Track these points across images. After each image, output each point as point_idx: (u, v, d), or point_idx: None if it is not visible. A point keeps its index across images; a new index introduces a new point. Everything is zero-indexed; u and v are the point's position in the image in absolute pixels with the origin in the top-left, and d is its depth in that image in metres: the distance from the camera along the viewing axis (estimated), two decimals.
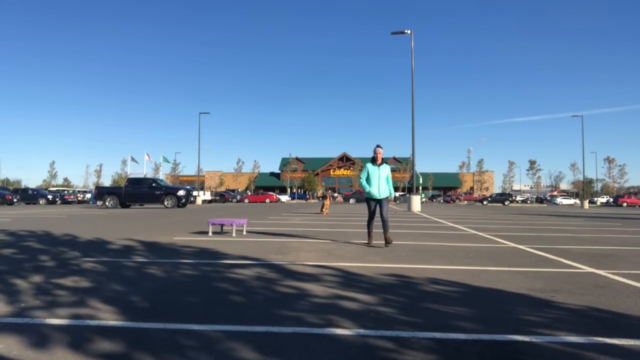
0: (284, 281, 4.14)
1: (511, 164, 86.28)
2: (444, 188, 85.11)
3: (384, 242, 6.77)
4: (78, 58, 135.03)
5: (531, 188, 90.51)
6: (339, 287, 3.89)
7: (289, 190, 76.93)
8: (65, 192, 43.32)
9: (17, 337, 2.50)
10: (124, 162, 79.60)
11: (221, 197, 52.61)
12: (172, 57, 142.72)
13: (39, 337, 2.51)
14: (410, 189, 50.40)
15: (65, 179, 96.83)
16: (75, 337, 2.50)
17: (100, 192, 24.91)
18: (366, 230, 7.21)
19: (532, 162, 79.73)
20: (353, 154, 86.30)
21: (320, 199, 70.63)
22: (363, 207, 29.88)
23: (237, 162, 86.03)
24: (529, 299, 3.51)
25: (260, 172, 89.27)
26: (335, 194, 69.76)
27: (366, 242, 7.12)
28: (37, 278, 4.19)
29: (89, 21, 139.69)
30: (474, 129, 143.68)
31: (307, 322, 2.82)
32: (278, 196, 56.20)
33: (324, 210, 17.65)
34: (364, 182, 6.94)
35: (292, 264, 5.17)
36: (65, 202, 39.29)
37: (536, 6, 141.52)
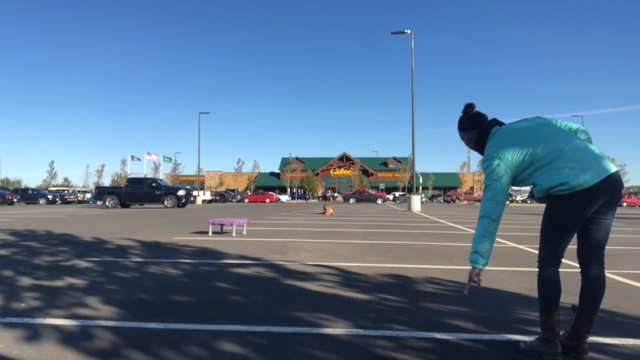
0: (283, 281, 4.14)
1: None
2: (444, 188, 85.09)
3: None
4: (78, 58, 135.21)
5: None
6: (338, 287, 3.89)
7: (289, 190, 76.92)
8: (65, 192, 43.33)
9: (17, 337, 2.50)
10: (124, 161, 79.60)
11: (221, 197, 52.58)
12: (173, 57, 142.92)
13: (39, 336, 2.51)
14: (410, 189, 50.41)
15: (65, 179, 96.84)
16: (75, 337, 2.50)
17: (100, 192, 24.92)
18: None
19: None
20: (353, 154, 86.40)
21: (321, 198, 70.74)
22: (363, 207, 29.54)
23: (237, 162, 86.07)
24: (529, 299, 3.51)
25: (260, 172, 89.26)
26: (335, 194, 69.86)
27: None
28: (37, 278, 4.19)
29: (89, 21, 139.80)
30: None
31: (307, 322, 2.82)
32: (278, 196, 56.16)
33: (327, 210, 17.62)
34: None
35: (292, 263, 5.17)
36: (65, 202, 39.31)
37: (536, 7, 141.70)
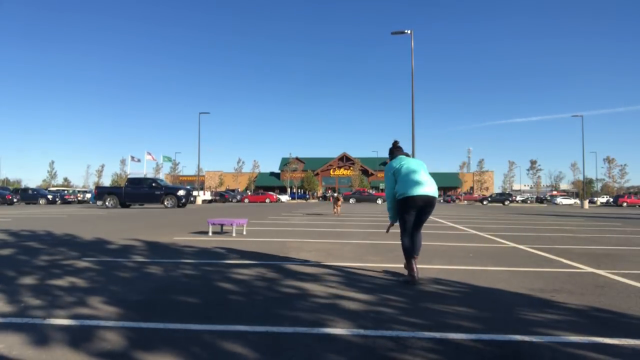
0: (283, 281, 4.14)
1: (511, 164, 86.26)
2: (444, 188, 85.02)
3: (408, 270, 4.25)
4: (78, 59, 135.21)
5: (531, 188, 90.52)
6: (338, 287, 3.89)
7: (289, 190, 76.92)
8: (65, 192, 43.31)
9: (18, 337, 2.50)
10: (123, 161, 79.52)
11: (221, 197, 52.56)
12: (173, 57, 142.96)
13: (39, 336, 2.51)
14: None
15: (65, 179, 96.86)
16: (75, 337, 2.50)
17: (100, 192, 24.89)
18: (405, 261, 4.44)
19: (533, 162, 79.81)
20: (353, 154, 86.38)
21: (321, 199, 70.67)
22: (363, 207, 29.71)
23: (237, 162, 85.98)
24: (529, 299, 3.51)
25: (260, 172, 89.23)
26: (335, 194, 69.83)
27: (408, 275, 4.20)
28: (37, 278, 4.19)
29: (89, 20, 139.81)
30: (475, 129, 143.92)
31: (307, 322, 2.82)
32: (278, 196, 56.15)
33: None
34: (391, 178, 4.42)
35: (292, 263, 5.17)
36: (65, 202, 39.29)
37: (536, 7, 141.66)
